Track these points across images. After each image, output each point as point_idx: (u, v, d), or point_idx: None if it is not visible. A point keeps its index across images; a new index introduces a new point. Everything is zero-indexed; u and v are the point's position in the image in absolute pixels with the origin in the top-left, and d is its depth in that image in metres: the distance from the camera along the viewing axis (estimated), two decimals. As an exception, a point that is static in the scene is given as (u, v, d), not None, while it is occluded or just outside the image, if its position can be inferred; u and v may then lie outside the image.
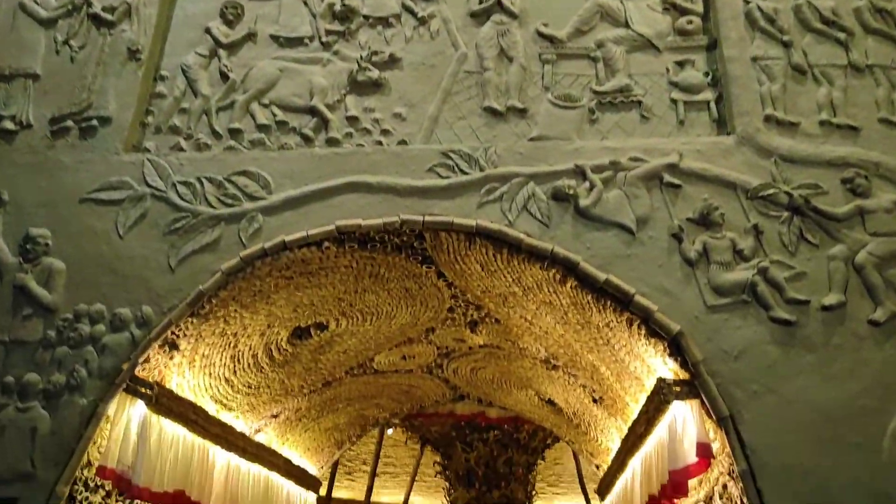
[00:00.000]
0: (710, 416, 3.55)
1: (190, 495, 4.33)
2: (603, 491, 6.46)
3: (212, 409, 4.72)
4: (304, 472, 6.62)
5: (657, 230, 3.93)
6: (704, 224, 3.89)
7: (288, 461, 6.17)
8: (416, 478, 13.36)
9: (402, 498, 13.52)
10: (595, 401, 5.43)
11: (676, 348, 3.65)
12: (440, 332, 5.49)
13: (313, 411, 6.11)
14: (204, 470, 4.56)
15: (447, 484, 10.94)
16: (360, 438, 7.43)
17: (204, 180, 4.24)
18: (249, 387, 4.96)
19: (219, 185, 4.22)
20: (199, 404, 4.49)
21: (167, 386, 4.13)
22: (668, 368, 3.78)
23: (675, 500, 4.11)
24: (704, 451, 3.45)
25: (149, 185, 4.25)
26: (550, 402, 6.33)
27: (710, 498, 4.02)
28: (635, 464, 4.65)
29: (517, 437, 10.53)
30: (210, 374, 4.49)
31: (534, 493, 11.03)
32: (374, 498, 12.88)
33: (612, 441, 5.76)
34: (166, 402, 4.04)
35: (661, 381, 3.69)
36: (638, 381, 4.28)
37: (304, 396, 5.78)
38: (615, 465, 5.56)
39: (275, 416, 5.69)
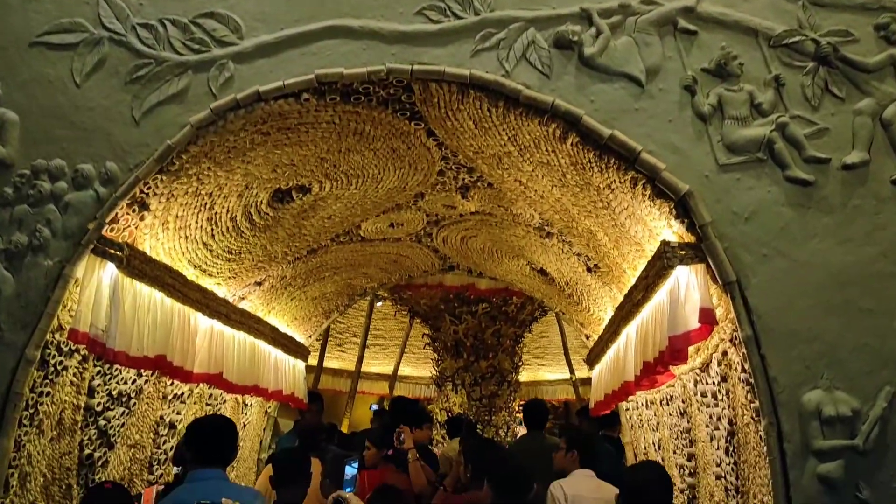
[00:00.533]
0: (714, 282, 3.36)
1: (172, 360, 4.19)
2: (592, 360, 6.46)
3: (191, 274, 4.51)
4: (291, 340, 6.56)
5: (668, 82, 3.58)
6: (720, 75, 3.54)
7: (275, 329, 6.07)
8: (405, 349, 13.67)
9: (391, 368, 13.87)
10: (589, 270, 5.27)
11: (683, 210, 3.40)
12: (430, 197, 5.23)
13: (299, 280, 5.95)
14: (185, 335, 4.41)
15: (436, 355, 11.11)
16: (347, 308, 7.34)
17: (167, 22, 3.79)
18: (230, 252, 4.73)
19: (184, 29, 3.78)
20: (176, 269, 4.27)
21: (140, 248, 3.88)
22: (673, 232, 3.56)
23: (672, 367, 4.02)
24: (707, 316, 3.28)
25: (105, 28, 3.79)
26: (542, 272, 6.19)
27: (707, 365, 3.92)
28: (630, 331, 4.54)
29: (505, 310, 10.62)
30: (186, 237, 4.24)
31: (520, 363, 11.24)
32: (363, 368, 13.16)
33: (604, 311, 5.66)
34: (139, 265, 3.80)
35: (664, 244, 3.47)
36: (638, 247, 4.07)
37: (288, 264, 5.59)
38: (607, 335, 5.49)
39: (259, 284, 5.52)
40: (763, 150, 3.39)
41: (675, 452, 4.97)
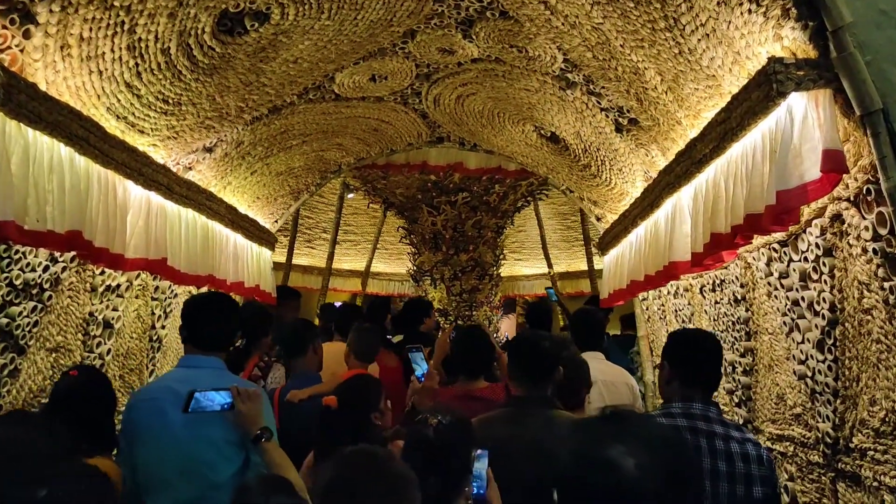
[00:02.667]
0: (845, 114, 2.40)
1: (92, 239, 3.15)
2: (608, 244, 5.57)
3: (112, 127, 3.41)
4: (254, 223, 5.51)
5: None
6: None
7: (232, 209, 5.01)
8: (378, 245, 12.95)
9: (363, 265, 13.17)
10: (619, 129, 4.26)
11: (807, 8, 2.38)
12: (422, 37, 4.11)
13: (260, 148, 4.84)
14: (110, 208, 3.35)
15: (412, 249, 10.35)
16: (319, 188, 6.27)
17: None
18: (166, 101, 3.60)
19: None
20: (89, 116, 3.15)
21: (29, 80, 2.75)
22: (783, 46, 2.54)
23: (741, 241, 3.10)
24: (834, 161, 2.33)
25: None
26: (553, 139, 5.17)
27: (796, 236, 3.02)
28: (685, 198, 3.61)
29: (487, 200, 9.81)
30: (100, 72, 3.10)
31: (502, 256, 10.55)
32: (335, 265, 12.47)
33: (633, 182, 4.71)
34: (29, 104, 2.69)
35: (774, 62, 2.46)
36: (712, 83, 3.06)
37: (245, 126, 4.47)
38: (637, 210, 4.56)
39: (209, 151, 4.42)
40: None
41: (720, 346, 4.17)
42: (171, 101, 3.62)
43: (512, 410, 2.84)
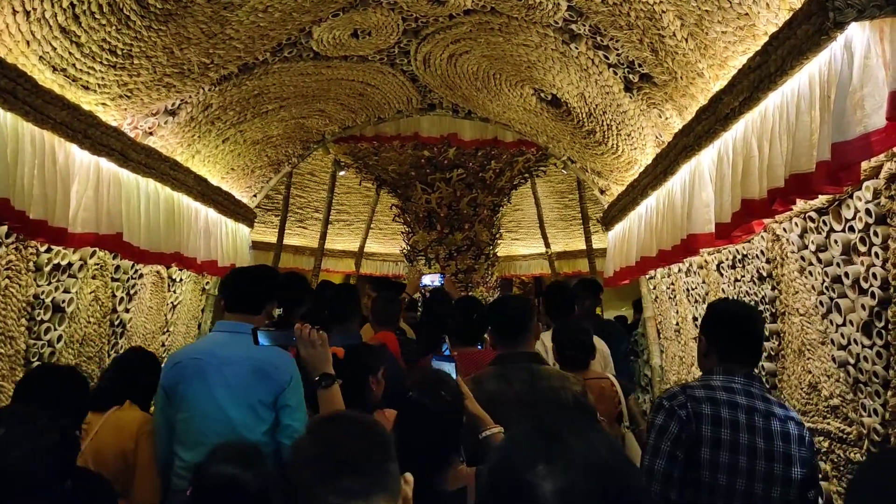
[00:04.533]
0: (916, 48, 1.97)
1: (25, 209, 2.72)
2: (613, 218, 5.14)
3: (48, 80, 2.95)
4: (228, 197, 5.07)
5: None
6: None
7: (202, 180, 4.56)
8: (372, 225, 12.62)
9: (357, 245, 12.86)
10: (629, 87, 3.81)
11: (873, -84, 1.94)
12: (409, -17, 3.65)
13: (231, 113, 4.38)
14: (48, 175, 2.91)
15: (406, 228, 9.98)
16: (301, 160, 5.81)
17: None
18: (113, 52, 3.14)
19: None
20: (14, 65, 2.70)
21: (-68, 17, 2.30)
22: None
23: (780, 207, 2.67)
24: (903, 106, 1.91)
25: None
26: (553, 102, 4.71)
27: (839, 203, 2.59)
28: (706, 162, 3.18)
29: (483, 177, 9.42)
30: (27, 14, 2.64)
31: (499, 235, 10.19)
32: (327, 245, 12.14)
33: (642, 148, 4.27)
34: (-69, 44, 2.25)
35: (829, -14, 2.03)
36: (744, 23, 2.61)
37: (212, 86, 4.01)
38: (647, 179, 4.13)
39: (172, 114, 3.96)
40: None
41: (740, 329, 3.76)
42: (119, 52, 3.17)
43: (499, 367, 2.99)
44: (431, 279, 8.57)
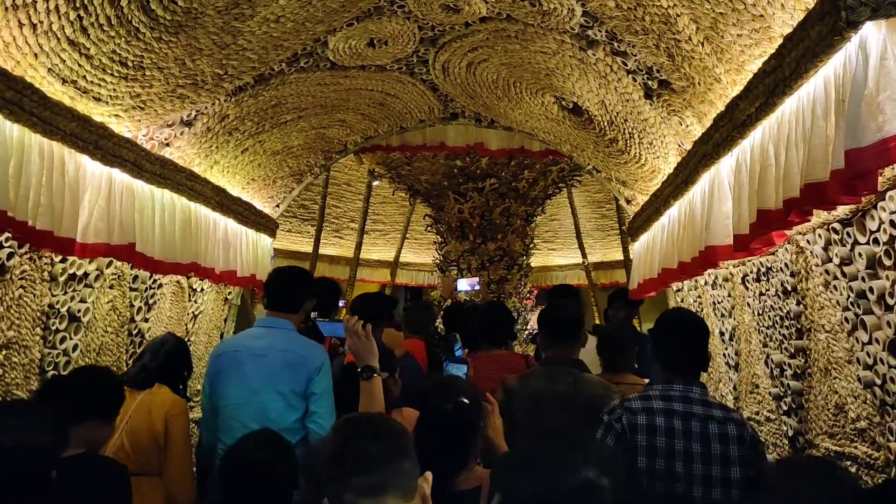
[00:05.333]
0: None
1: (26, 220, 2.74)
2: (638, 228, 5.00)
3: (57, 92, 2.98)
4: (248, 207, 5.08)
5: None
6: None
7: (220, 191, 4.57)
8: (407, 235, 12.66)
9: (392, 255, 12.90)
10: (649, 94, 3.70)
11: None
12: (422, -9, 3.60)
13: (249, 123, 4.39)
14: (56, 185, 2.93)
15: (439, 237, 9.93)
16: (324, 170, 5.82)
17: None
18: (124, 64, 3.16)
19: None
20: (21, 77, 2.73)
21: (-66, 30, 2.33)
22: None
23: (797, 218, 2.53)
24: (922, 109, 1.77)
25: None
26: (575, 110, 4.61)
27: (863, 213, 2.44)
28: (724, 171, 3.04)
29: (516, 186, 9.32)
30: (33, 25, 2.67)
31: (532, 246, 10.05)
32: (363, 255, 12.21)
33: (664, 156, 4.13)
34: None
35: (842, -16, 1.90)
36: (759, 25, 2.48)
37: (228, 97, 4.02)
38: (668, 189, 4.00)
39: (188, 125, 3.98)
40: None
41: (765, 346, 3.59)
42: (130, 63, 3.18)
43: (545, 368, 3.22)
44: (470, 283, 8.50)
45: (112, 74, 3.17)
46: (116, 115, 3.40)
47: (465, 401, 2.33)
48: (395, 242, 12.83)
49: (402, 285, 13.53)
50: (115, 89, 3.26)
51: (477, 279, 8.90)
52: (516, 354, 4.34)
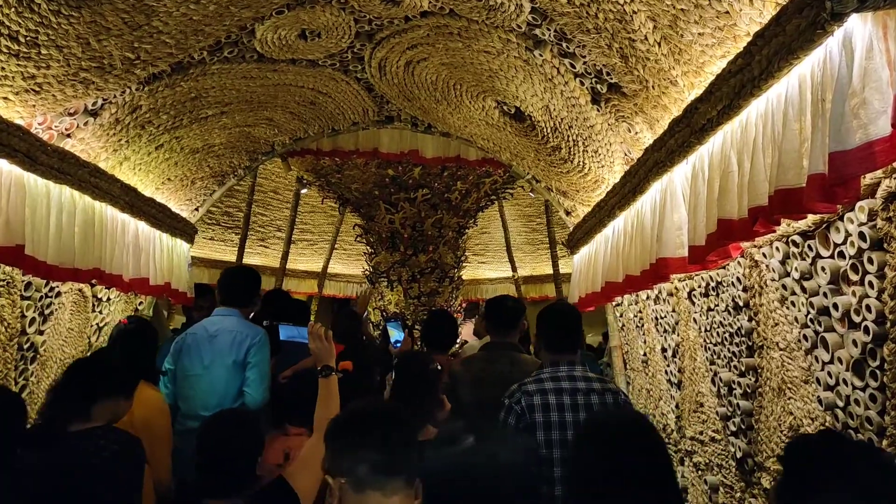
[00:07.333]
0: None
1: None
2: (578, 241, 4.85)
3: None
4: (163, 209, 4.64)
5: None
6: None
7: (130, 189, 4.13)
8: (336, 245, 12.33)
9: (320, 266, 12.54)
10: (597, 99, 3.53)
11: None
12: (360, -21, 3.33)
13: (164, 116, 4.00)
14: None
15: (369, 248, 9.66)
16: (249, 172, 5.43)
17: None
18: (13, 38, 2.75)
19: None
20: None
21: None
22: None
23: (762, 228, 2.37)
24: (912, 111, 1.62)
25: None
26: (517, 116, 4.42)
27: (827, 225, 2.31)
28: (680, 180, 2.88)
29: (448, 198, 9.16)
30: None
31: (464, 258, 9.90)
32: (289, 266, 11.77)
33: (609, 166, 3.98)
34: None
35: (825, -28, 1.75)
36: (722, 21, 2.32)
37: (141, 86, 3.63)
38: (613, 199, 3.84)
39: (93, 114, 3.56)
40: None
41: (712, 363, 3.46)
42: (22, 39, 2.78)
43: (486, 353, 3.71)
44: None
45: None
46: (4, 98, 2.98)
47: (439, 367, 2.99)
48: (323, 252, 12.47)
49: (330, 297, 13.17)
50: (2, 68, 2.84)
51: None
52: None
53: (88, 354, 4.08)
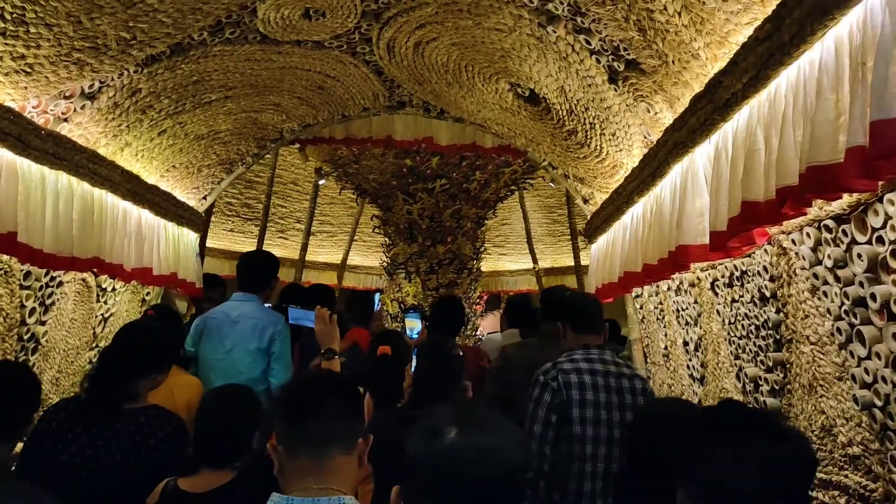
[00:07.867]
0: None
1: None
2: (596, 229, 4.65)
3: None
4: (168, 197, 4.53)
5: None
6: None
7: (132, 176, 4.02)
8: (356, 237, 12.28)
9: (339, 258, 12.48)
10: (614, 77, 3.33)
11: None
12: (363, -46, 3.16)
13: (166, 100, 3.87)
14: None
15: (386, 239, 9.55)
16: (256, 159, 5.29)
17: None
18: (0, 16, 2.64)
19: None
20: None
21: None
22: None
23: (791, 211, 2.18)
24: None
25: None
26: (531, 99, 4.23)
27: (864, 207, 2.11)
28: (700, 161, 2.69)
29: (467, 188, 9.00)
30: None
31: (483, 249, 9.74)
32: (308, 257, 11.75)
33: (628, 150, 3.78)
34: None
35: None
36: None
37: (139, 68, 3.50)
38: (632, 183, 3.64)
39: (90, 98, 3.44)
40: None
41: (737, 358, 3.26)
42: (8, 16, 2.66)
43: (538, 340, 3.85)
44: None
45: (-17, 28, 2.64)
46: (-7, 80, 2.87)
47: (461, 353, 3.07)
48: (342, 244, 12.42)
49: (349, 288, 13.13)
50: (-11, 47, 2.73)
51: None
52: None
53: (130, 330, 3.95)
